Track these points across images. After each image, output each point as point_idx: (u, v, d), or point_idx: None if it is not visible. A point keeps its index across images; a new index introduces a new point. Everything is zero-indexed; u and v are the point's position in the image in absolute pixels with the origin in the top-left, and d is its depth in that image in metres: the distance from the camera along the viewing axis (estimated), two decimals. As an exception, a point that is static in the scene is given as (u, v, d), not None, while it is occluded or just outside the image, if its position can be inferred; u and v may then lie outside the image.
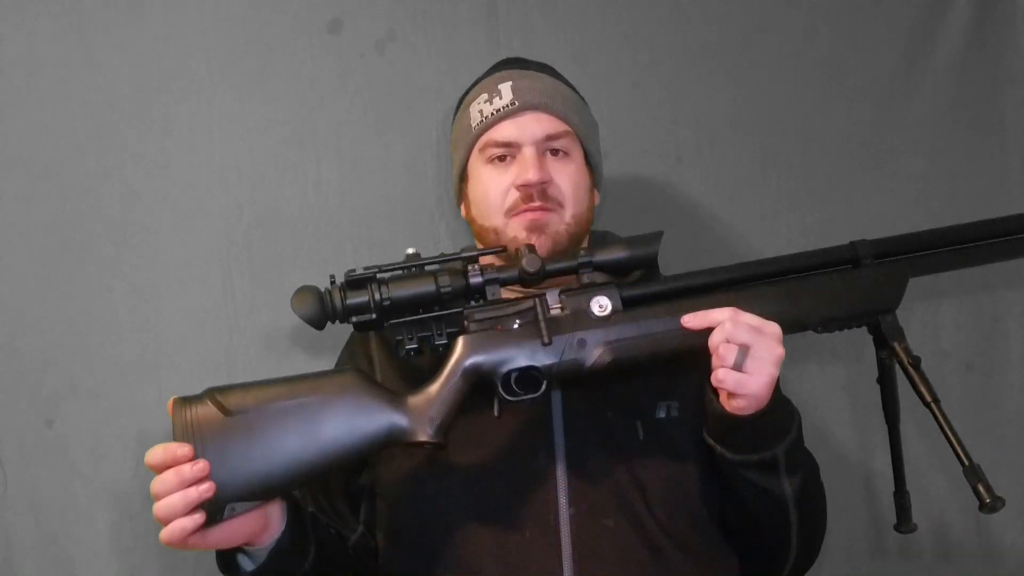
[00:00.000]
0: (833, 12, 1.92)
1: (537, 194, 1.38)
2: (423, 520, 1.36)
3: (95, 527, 1.73)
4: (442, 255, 1.30)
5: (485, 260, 1.30)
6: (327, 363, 1.58)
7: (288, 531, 1.28)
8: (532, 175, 1.38)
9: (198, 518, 1.17)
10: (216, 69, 1.78)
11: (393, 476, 1.39)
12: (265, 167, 1.79)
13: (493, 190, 1.41)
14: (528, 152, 1.40)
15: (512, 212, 1.40)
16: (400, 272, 1.26)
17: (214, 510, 1.19)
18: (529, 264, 1.27)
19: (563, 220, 1.40)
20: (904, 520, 1.38)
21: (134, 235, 1.75)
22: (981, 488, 1.22)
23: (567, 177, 1.41)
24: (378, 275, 1.25)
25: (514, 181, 1.39)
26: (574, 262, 1.29)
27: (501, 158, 1.42)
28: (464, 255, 1.28)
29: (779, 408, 1.26)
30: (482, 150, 1.44)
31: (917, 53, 1.91)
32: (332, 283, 1.25)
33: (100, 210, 1.74)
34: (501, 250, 1.32)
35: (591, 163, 1.48)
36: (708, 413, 1.30)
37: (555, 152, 1.42)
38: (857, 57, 1.92)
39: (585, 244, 1.47)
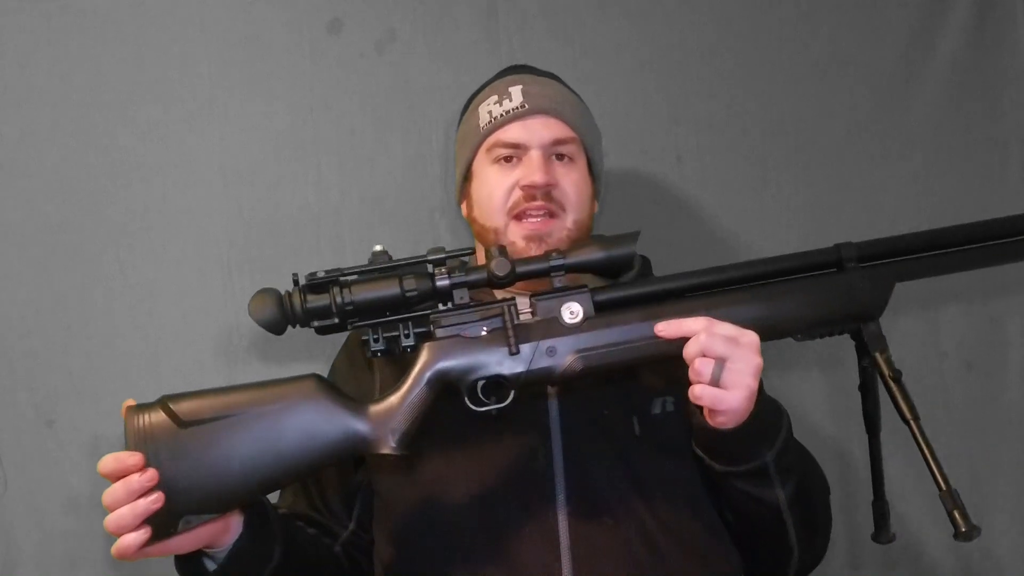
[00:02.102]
0: (833, 12, 1.92)
1: (541, 195, 1.38)
2: (421, 519, 1.36)
3: (95, 527, 1.71)
4: (409, 257, 1.24)
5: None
6: (326, 363, 1.58)
7: (247, 533, 1.25)
8: (538, 177, 1.38)
9: (143, 534, 1.14)
10: (216, 69, 1.78)
11: (390, 474, 1.39)
12: (265, 167, 1.79)
13: (497, 189, 1.41)
14: (535, 155, 1.40)
15: (514, 212, 1.40)
16: (364, 274, 1.21)
17: (167, 523, 1.16)
18: (498, 268, 1.22)
19: (564, 226, 1.40)
20: (882, 530, 1.34)
21: (134, 235, 1.75)
22: (957, 515, 1.17)
23: (572, 182, 1.42)
24: (341, 278, 1.20)
25: (519, 181, 1.40)
26: (545, 264, 1.24)
27: (508, 159, 1.42)
28: (431, 257, 1.23)
29: (764, 415, 1.23)
30: (489, 150, 1.44)
31: (917, 53, 1.91)
32: (295, 284, 1.21)
33: (100, 211, 1.74)
34: (469, 252, 1.27)
35: (594, 172, 1.48)
36: (693, 425, 1.28)
37: (560, 157, 1.43)
38: (857, 57, 1.92)
39: None
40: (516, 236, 1.39)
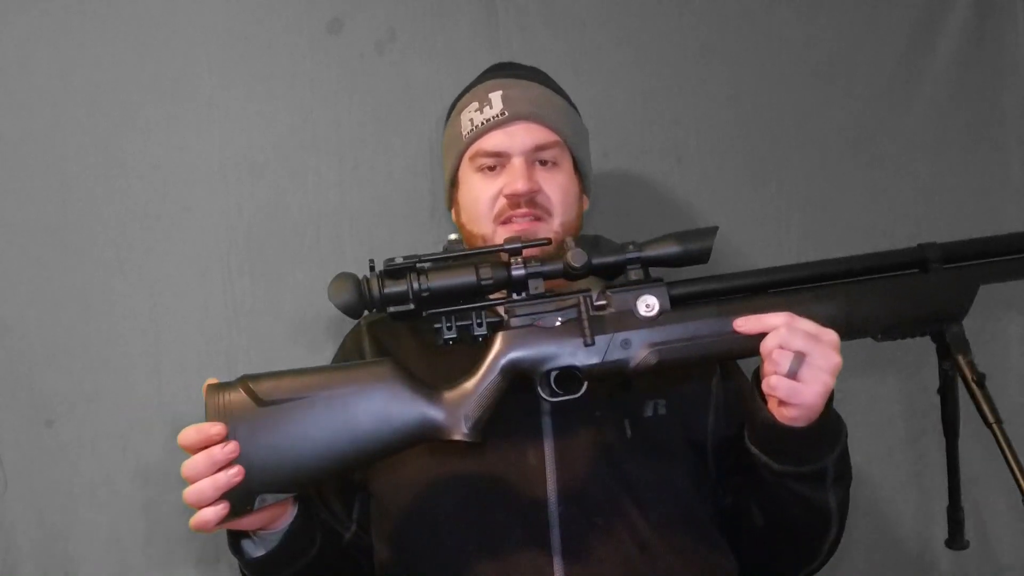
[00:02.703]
0: (833, 13, 1.92)
1: (525, 202, 1.38)
2: (414, 520, 1.36)
3: (95, 527, 1.72)
4: (485, 246, 1.26)
5: (529, 252, 1.26)
6: (326, 361, 1.58)
7: (300, 516, 1.27)
8: (521, 185, 1.38)
9: (222, 508, 1.15)
10: (216, 69, 1.78)
11: (386, 476, 1.38)
12: (265, 167, 1.79)
13: (482, 198, 1.41)
14: (517, 162, 1.40)
15: (500, 219, 1.40)
16: (440, 262, 1.22)
17: (244, 499, 1.17)
18: (575, 259, 1.22)
19: (551, 229, 1.40)
20: (957, 536, 1.33)
21: (134, 235, 1.75)
22: None
23: (556, 186, 1.41)
24: (418, 264, 1.21)
25: (502, 189, 1.40)
26: (622, 257, 1.24)
27: (491, 167, 1.42)
28: (508, 247, 1.23)
29: (830, 419, 1.22)
30: (472, 159, 1.44)
31: (917, 53, 1.92)
32: (372, 269, 1.22)
33: (100, 210, 1.74)
34: (546, 242, 1.28)
35: (581, 171, 1.48)
36: (755, 422, 1.26)
37: (544, 162, 1.42)
38: (857, 57, 1.92)
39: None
40: (503, 239, 1.38)
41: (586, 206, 1.51)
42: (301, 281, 1.77)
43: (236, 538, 1.28)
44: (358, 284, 1.20)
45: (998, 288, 1.89)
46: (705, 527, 1.36)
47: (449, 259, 1.22)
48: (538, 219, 1.39)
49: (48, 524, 1.72)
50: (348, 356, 1.50)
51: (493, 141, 1.42)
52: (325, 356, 1.65)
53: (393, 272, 1.20)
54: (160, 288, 1.75)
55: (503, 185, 1.40)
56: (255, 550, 1.28)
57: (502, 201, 1.40)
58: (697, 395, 1.38)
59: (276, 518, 1.25)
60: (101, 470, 1.72)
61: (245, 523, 1.21)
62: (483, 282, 1.21)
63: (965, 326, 1.89)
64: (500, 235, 1.39)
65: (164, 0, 1.76)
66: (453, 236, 1.25)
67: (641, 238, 1.55)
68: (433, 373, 1.27)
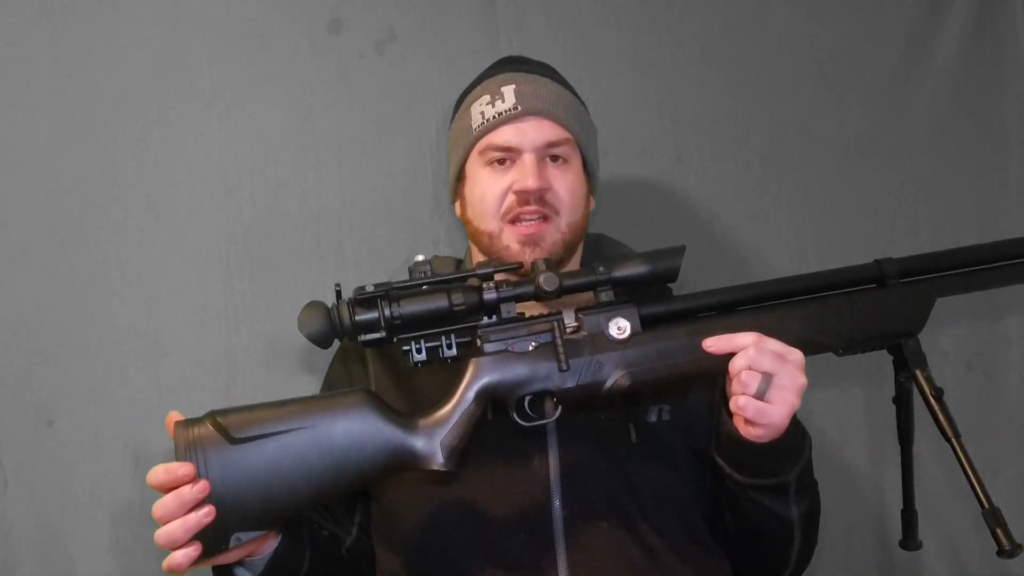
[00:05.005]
0: (833, 12, 1.92)
1: (534, 199, 1.37)
2: (417, 524, 1.36)
3: (95, 527, 1.73)
4: (456, 272, 1.25)
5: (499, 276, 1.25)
6: (325, 363, 1.57)
7: (286, 537, 1.27)
8: (531, 182, 1.37)
9: (193, 550, 1.14)
10: (216, 69, 1.78)
11: (388, 480, 1.38)
12: (265, 167, 1.79)
13: (490, 193, 1.40)
14: (528, 158, 1.39)
15: (508, 216, 1.39)
16: (411, 288, 1.21)
17: (218, 539, 1.16)
18: (547, 283, 1.21)
19: (558, 229, 1.39)
20: (910, 537, 1.36)
21: (134, 235, 1.75)
22: (1000, 533, 1.19)
23: (565, 185, 1.40)
24: (390, 291, 1.20)
25: (512, 186, 1.38)
26: (592, 279, 1.24)
27: (500, 161, 1.41)
28: (479, 271, 1.23)
29: (794, 434, 1.24)
30: (482, 153, 1.43)
31: (917, 53, 1.92)
32: (338, 297, 1.21)
33: (100, 210, 1.74)
34: (517, 266, 1.27)
35: (589, 170, 1.47)
36: (721, 435, 1.28)
37: (555, 159, 1.41)
38: (857, 57, 1.92)
39: (580, 250, 1.47)
40: (511, 240, 1.38)
41: (592, 206, 1.50)
42: (302, 282, 1.77)
43: (221, 568, 1.26)
44: (328, 313, 1.19)
45: (999, 290, 1.91)
46: (702, 531, 1.37)
47: (420, 285, 1.21)
48: (546, 218, 1.38)
49: (48, 524, 1.72)
50: (348, 357, 1.50)
51: (504, 136, 1.40)
52: (324, 356, 1.65)
53: (364, 300, 1.19)
54: (160, 288, 1.75)
55: (513, 181, 1.38)
56: (245, 574, 1.27)
57: (511, 198, 1.38)
58: (700, 403, 1.38)
59: (259, 547, 1.24)
60: (101, 470, 1.72)
61: (222, 560, 1.20)
62: (455, 307, 1.20)
63: (968, 327, 1.92)
64: (508, 234, 1.38)
65: (164, 0, 1.76)
66: (420, 257, 1.23)
67: (641, 238, 1.56)
68: (434, 382, 1.27)
